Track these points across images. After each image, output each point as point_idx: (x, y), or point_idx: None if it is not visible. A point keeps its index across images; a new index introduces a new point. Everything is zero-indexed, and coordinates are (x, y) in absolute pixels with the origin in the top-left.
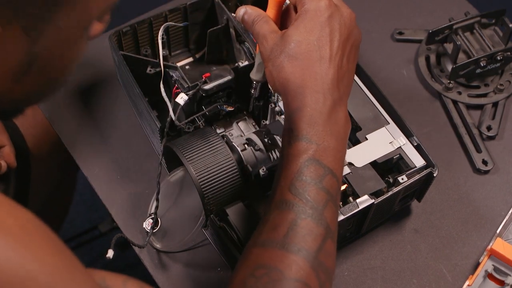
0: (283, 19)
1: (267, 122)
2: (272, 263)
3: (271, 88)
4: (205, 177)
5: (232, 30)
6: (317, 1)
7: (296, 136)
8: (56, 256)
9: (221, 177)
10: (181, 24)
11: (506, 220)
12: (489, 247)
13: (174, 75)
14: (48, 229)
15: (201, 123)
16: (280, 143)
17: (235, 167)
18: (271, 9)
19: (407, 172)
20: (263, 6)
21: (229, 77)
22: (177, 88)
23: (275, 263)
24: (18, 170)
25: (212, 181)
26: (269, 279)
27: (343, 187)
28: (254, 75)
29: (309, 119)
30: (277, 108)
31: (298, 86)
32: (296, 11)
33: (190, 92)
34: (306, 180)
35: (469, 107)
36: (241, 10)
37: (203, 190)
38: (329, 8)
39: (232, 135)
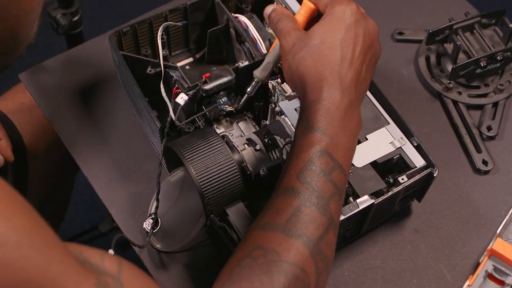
0: (307, 27)
1: (267, 122)
2: (271, 245)
3: (285, 81)
4: (205, 177)
5: (232, 30)
6: (346, 5)
7: (311, 127)
8: (26, 219)
9: (221, 177)
10: (180, 23)
11: (506, 220)
12: (489, 247)
13: (174, 75)
14: (18, 194)
15: (201, 123)
16: (280, 143)
17: (235, 167)
18: (301, 15)
19: (407, 172)
20: (264, 7)
21: (229, 77)
22: (177, 88)
23: (273, 246)
24: (15, 166)
25: (212, 181)
26: (265, 260)
27: None
28: (259, 73)
29: (325, 112)
30: (277, 108)
31: (317, 80)
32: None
33: (190, 92)
34: (316, 170)
35: (469, 107)
36: (270, 8)
37: (203, 190)
38: (356, 13)
39: (232, 135)
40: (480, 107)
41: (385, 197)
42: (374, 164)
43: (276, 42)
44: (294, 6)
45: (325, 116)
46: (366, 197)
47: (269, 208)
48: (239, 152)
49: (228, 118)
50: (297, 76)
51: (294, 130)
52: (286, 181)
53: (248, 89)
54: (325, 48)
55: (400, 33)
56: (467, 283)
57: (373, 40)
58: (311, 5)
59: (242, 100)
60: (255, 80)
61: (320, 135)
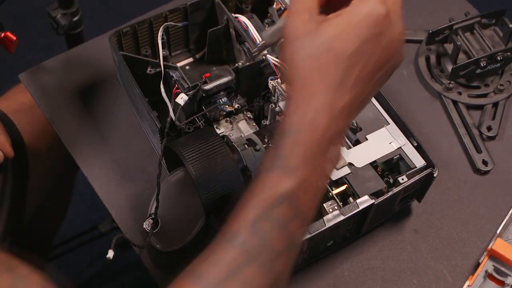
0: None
1: (267, 122)
2: None
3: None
4: (206, 178)
5: (232, 31)
6: (373, 9)
7: (282, 163)
8: None
9: (221, 178)
10: (180, 24)
11: (506, 220)
12: (489, 247)
13: (174, 75)
14: None
15: (201, 123)
16: None
17: (235, 167)
18: None
19: (407, 173)
20: (264, 7)
21: (229, 77)
22: (177, 89)
23: None
24: (16, 165)
25: (213, 182)
26: None
27: (343, 188)
28: (268, 37)
29: (304, 149)
30: (277, 108)
31: (307, 96)
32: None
33: (190, 93)
34: (273, 219)
35: (469, 107)
36: None
37: (203, 190)
38: (381, 23)
39: (232, 135)
40: (480, 107)
41: (385, 197)
42: (374, 164)
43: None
44: None
45: (301, 154)
46: (366, 197)
47: (209, 253)
48: (239, 152)
49: (228, 118)
50: (288, 77)
51: None
52: (238, 225)
53: (254, 49)
54: (329, 59)
55: None
56: (467, 283)
57: (392, 55)
58: None
59: (252, 52)
60: (262, 41)
61: (289, 175)
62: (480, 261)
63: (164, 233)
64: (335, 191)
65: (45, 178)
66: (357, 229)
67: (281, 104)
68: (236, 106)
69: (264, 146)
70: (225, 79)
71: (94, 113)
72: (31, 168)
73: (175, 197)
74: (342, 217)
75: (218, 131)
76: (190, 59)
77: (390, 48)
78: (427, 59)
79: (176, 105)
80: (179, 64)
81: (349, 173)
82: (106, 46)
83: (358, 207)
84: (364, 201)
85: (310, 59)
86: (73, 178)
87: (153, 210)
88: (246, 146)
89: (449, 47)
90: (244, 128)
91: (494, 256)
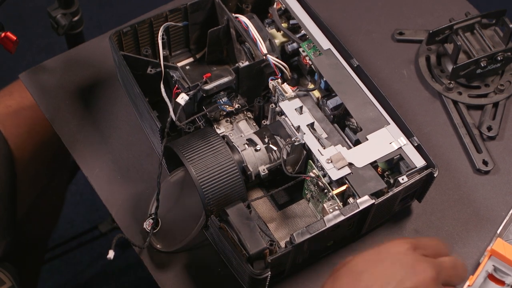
0: None
1: (267, 122)
2: None
3: None
4: (206, 178)
5: (232, 30)
6: (402, 252)
7: None
8: None
9: (221, 178)
10: (180, 24)
11: (507, 221)
12: (489, 247)
13: (174, 75)
14: None
15: (202, 123)
16: (280, 144)
17: (235, 167)
18: None
19: (408, 173)
20: (264, 7)
21: (229, 78)
22: (177, 88)
23: None
24: (2, 167)
25: (213, 182)
26: None
27: (343, 188)
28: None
29: None
30: (277, 109)
31: None
32: None
33: (191, 92)
34: None
35: (470, 107)
36: None
37: (203, 190)
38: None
39: (232, 135)
40: (481, 107)
41: (385, 197)
42: (374, 164)
43: None
44: (294, 5)
45: None
46: (366, 197)
47: None
48: (239, 152)
49: (228, 118)
50: None
51: (294, 130)
52: None
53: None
54: None
55: (401, 33)
56: (467, 283)
57: None
58: None
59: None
60: None
61: None
62: (480, 261)
63: (164, 233)
64: (335, 191)
65: (35, 179)
66: (357, 229)
67: (282, 104)
68: (236, 106)
69: (264, 146)
70: (225, 79)
71: (94, 113)
72: (18, 171)
73: (175, 197)
74: (342, 217)
75: (218, 131)
76: (191, 59)
77: None
78: (428, 59)
79: (176, 105)
80: (179, 64)
81: (349, 173)
82: (106, 46)
83: (358, 207)
84: (364, 201)
85: None
86: (65, 178)
87: (153, 210)
88: (246, 146)
89: (449, 47)
90: (244, 128)
91: (494, 256)
